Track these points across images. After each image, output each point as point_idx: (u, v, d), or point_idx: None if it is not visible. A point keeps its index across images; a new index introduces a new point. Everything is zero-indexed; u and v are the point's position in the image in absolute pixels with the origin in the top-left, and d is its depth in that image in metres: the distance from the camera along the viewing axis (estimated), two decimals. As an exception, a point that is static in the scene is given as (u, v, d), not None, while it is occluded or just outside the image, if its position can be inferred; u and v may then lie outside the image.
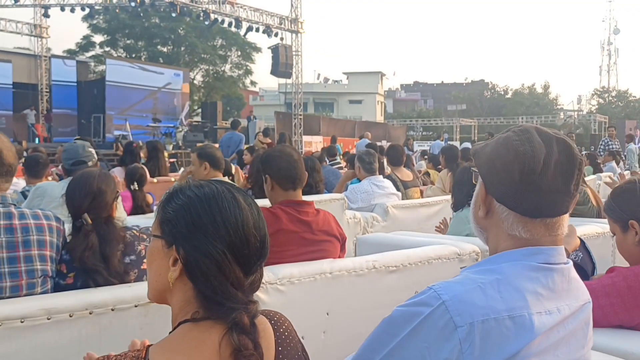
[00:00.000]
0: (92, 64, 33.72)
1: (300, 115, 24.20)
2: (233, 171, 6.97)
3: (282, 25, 22.61)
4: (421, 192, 6.41)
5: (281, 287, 2.24)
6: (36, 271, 2.11)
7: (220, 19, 21.21)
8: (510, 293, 1.16)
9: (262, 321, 1.21)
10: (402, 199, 5.56)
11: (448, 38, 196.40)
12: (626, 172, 10.94)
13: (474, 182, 1.32)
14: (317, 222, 2.65)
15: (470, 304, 1.13)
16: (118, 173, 6.15)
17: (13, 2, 21.89)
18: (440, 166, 9.05)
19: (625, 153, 14.03)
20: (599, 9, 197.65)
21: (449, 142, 20.23)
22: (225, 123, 22.18)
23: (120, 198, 2.86)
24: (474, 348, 1.10)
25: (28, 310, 1.80)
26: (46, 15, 23.39)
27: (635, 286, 2.08)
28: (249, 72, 39.26)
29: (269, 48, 23.17)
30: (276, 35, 22.54)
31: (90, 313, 1.89)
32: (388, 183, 5.45)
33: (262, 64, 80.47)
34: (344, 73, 59.92)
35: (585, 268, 2.37)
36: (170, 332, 1.17)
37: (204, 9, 20.38)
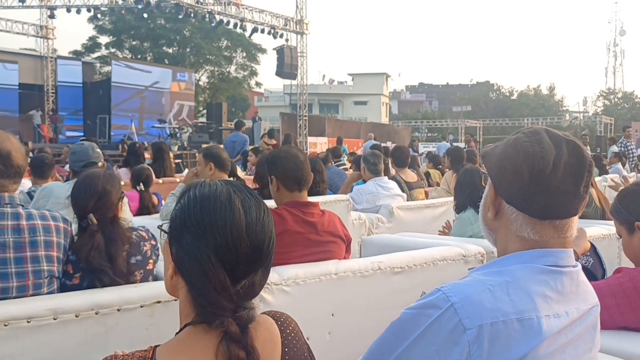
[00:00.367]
0: (98, 65, 33.83)
1: (305, 116, 24.22)
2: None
3: (287, 27, 22.65)
4: (426, 193, 6.40)
5: (286, 288, 2.25)
6: (43, 272, 2.11)
7: (225, 20, 21.28)
8: (519, 296, 1.15)
9: (268, 322, 1.20)
10: (407, 200, 5.56)
11: (453, 39, 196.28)
12: (631, 175, 10.90)
13: (483, 184, 1.32)
14: (323, 223, 2.65)
15: (479, 306, 1.12)
16: (123, 174, 6.17)
17: (19, 3, 21.98)
18: (440, 166, 9.07)
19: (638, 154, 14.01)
20: (605, 11, 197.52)
21: (454, 144, 20.21)
22: (230, 124, 22.13)
23: (126, 199, 2.87)
24: (483, 350, 1.10)
25: (34, 310, 1.81)
26: (52, 17, 23.49)
27: (642, 287, 2.08)
28: (254, 73, 39.33)
29: (274, 49, 23.22)
30: (281, 36, 22.58)
31: (96, 313, 1.89)
32: (393, 184, 5.45)
33: (267, 65, 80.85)
34: (349, 74, 60.05)
35: (595, 274, 2.36)
36: (176, 334, 1.17)
37: (209, 10, 20.44)
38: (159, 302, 1.98)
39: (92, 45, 35.59)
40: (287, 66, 22.50)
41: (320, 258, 2.54)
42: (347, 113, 50.89)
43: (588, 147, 16.89)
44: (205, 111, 30.07)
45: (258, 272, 1.16)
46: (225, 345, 1.10)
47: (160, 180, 6.45)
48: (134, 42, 36.41)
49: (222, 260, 1.11)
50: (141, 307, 1.97)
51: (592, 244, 2.40)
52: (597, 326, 1.28)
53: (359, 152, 15.66)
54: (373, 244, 3.44)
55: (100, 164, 3.90)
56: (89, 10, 22.79)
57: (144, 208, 4.96)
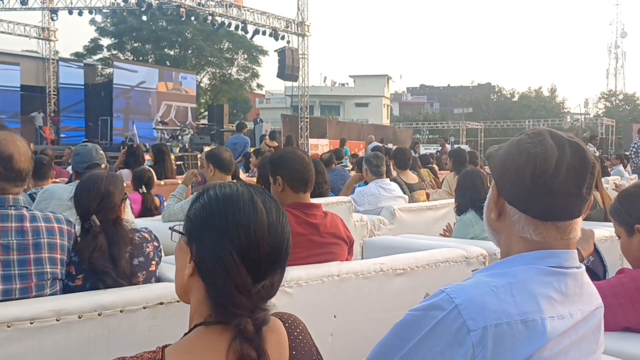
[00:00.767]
0: (100, 66, 33.87)
1: (307, 118, 24.23)
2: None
3: (289, 29, 22.68)
4: (427, 195, 6.40)
5: (289, 289, 2.24)
6: (46, 274, 2.11)
7: (227, 22, 21.33)
8: (523, 297, 1.15)
9: (275, 324, 1.20)
10: (408, 202, 5.56)
11: (454, 41, 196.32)
12: (633, 176, 10.89)
13: (487, 185, 1.32)
14: (325, 224, 2.65)
15: (483, 307, 1.12)
16: (125, 176, 6.17)
17: (21, 5, 22.03)
18: (430, 165, 9.12)
19: None
20: (606, 12, 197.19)
21: (455, 145, 20.21)
22: (232, 126, 22.16)
23: (129, 201, 2.87)
24: (487, 352, 1.09)
25: (37, 311, 1.81)
26: (54, 19, 23.53)
27: (644, 288, 2.08)
28: (255, 75, 39.36)
29: (275, 51, 23.26)
30: (283, 38, 22.61)
31: (99, 314, 1.90)
32: (395, 186, 5.45)
33: (268, 67, 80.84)
34: (351, 76, 60.08)
35: (596, 271, 2.36)
36: (185, 334, 1.17)
37: (210, 12, 20.46)
38: (161, 303, 1.98)
39: (93, 47, 35.62)
40: (288, 68, 22.54)
41: (322, 260, 2.54)
42: (349, 115, 50.85)
43: (595, 150, 16.65)
44: (206, 113, 30.09)
45: (277, 273, 1.18)
46: (239, 344, 1.10)
47: (162, 182, 6.46)
48: (135, 44, 36.44)
49: (245, 260, 1.12)
50: (144, 308, 1.97)
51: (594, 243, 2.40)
52: (601, 327, 1.27)
53: (361, 154, 15.65)
54: (375, 245, 3.44)
55: (103, 165, 3.90)
56: (90, 12, 22.84)
57: (147, 210, 4.97)
